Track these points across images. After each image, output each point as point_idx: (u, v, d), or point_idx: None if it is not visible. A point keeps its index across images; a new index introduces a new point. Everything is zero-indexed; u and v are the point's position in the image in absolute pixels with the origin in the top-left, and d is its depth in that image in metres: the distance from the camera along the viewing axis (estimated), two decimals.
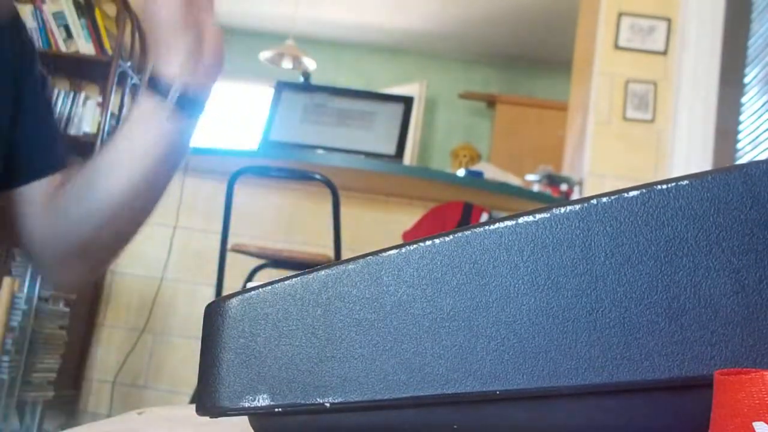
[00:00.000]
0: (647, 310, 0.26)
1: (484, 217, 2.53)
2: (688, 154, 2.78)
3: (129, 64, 2.96)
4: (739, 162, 2.69)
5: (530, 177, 3.02)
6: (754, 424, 0.20)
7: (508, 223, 0.28)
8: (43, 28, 2.91)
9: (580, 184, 2.88)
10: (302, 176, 2.18)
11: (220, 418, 0.31)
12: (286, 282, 0.30)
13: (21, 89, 0.73)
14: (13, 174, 0.73)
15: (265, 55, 4.74)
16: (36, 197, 0.73)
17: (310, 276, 0.30)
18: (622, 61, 2.90)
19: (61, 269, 0.75)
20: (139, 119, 0.68)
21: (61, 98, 2.95)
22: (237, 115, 5.86)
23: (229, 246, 2.19)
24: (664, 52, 2.89)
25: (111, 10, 3.03)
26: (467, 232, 0.28)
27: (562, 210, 0.27)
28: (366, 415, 0.29)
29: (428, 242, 0.28)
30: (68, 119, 2.94)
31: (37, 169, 0.74)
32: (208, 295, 2.64)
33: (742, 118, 2.83)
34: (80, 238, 0.71)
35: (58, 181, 0.74)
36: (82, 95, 2.99)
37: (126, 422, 0.44)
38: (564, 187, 2.88)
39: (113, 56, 2.87)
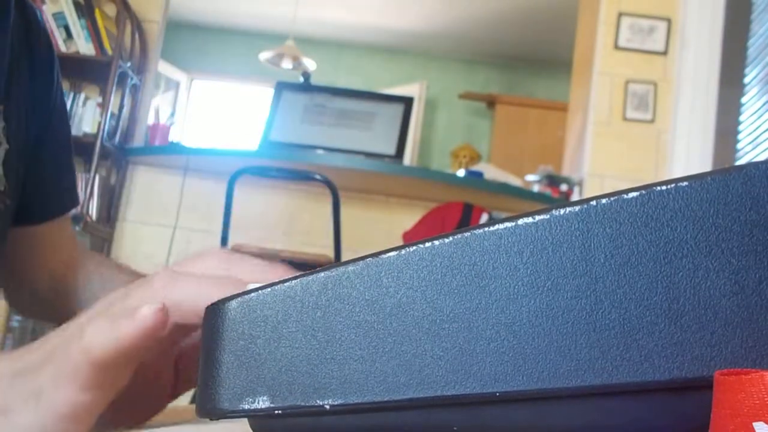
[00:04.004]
0: (647, 311, 0.26)
1: (484, 217, 2.54)
2: (688, 154, 2.78)
3: (129, 64, 2.96)
4: (739, 162, 2.70)
5: (530, 177, 3.02)
6: (754, 424, 0.20)
7: (508, 224, 0.28)
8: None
9: (580, 184, 2.88)
10: (302, 176, 2.18)
11: (219, 420, 0.31)
12: (285, 284, 0.30)
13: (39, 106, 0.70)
14: (31, 208, 0.69)
15: (265, 55, 4.74)
16: (43, 237, 0.70)
17: (310, 278, 0.30)
18: (622, 62, 2.90)
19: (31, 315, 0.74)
20: None
21: None
22: (237, 115, 5.87)
23: (229, 246, 2.19)
24: (664, 53, 2.89)
25: (111, 10, 3.03)
26: (467, 234, 0.28)
27: (562, 211, 0.27)
28: (366, 416, 0.29)
29: (428, 244, 0.28)
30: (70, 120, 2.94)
31: (53, 208, 0.71)
32: None
33: (742, 118, 2.83)
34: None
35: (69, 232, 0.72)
36: (82, 95, 2.99)
37: None
38: (564, 187, 2.88)
39: (113, 56, 2.88)
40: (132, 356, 0.32)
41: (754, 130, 2.71)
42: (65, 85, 3.06)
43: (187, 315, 0.33)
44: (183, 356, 0.40)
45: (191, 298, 0.33)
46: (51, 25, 2.91)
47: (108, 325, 0.31)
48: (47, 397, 0.33)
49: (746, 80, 2.84)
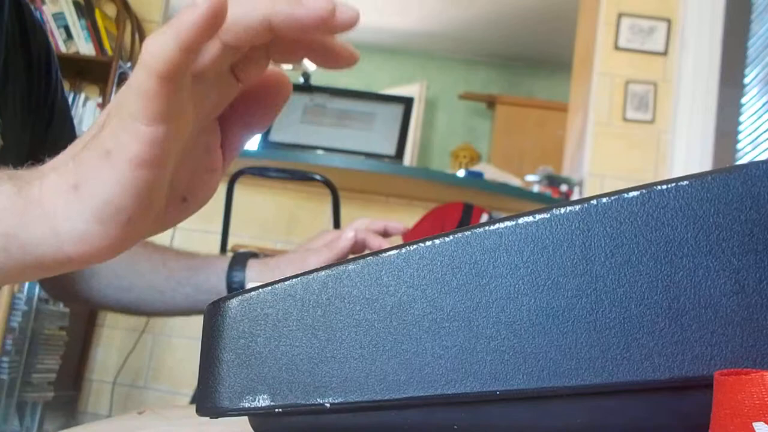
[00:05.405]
0: (647, 310, 0.26)
1: (484, 218, 2.54)
2: (688, 154, 2.79)
3: (129, 64, 2.96)
4: (739, 162, 2.69)
5: (530, 178, 3.02)
6: (754, 424, 0.20)
7: (508, 223, 0.28)
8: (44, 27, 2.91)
9: (580, 184, 2.88)
10: (302, 177, 2.18)
11: (220, 419, 0.31)
12: (286, 282, 0.30)
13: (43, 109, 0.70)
14: None
15: None
16: None
17: (310, 276, 0.30)
18: (622, 62, 2.90)
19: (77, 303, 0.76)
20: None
21: None
22: None
23: (229, 246, 2.19)
24: (664, 53, 2.89)
25: (111, 10, 3.03)
26: (467, 233, 0.28)
27: (562, 210, 0.27)
28: (366, 415, 0.29)
29: (428, 243, 0.28)
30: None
31: None
32: None
33: (742, 118, 2.83)
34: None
35: None
36: (82, 96, 2.99)
37: (126, 422, 0.44)
38: (564, 187, 2.88)
39: (113, 57, 2.88)
40: (196, 66, 0.31)
41: (754, 131, 2.71)
42: (65, 86, 3.06)
43: (238, 30, 0.32)
44: (226, 121, 0.38)
45: (242, 10, 0.31)
46: (51, 25, 2.91)
47: (169, 26, 0.30)
48: (117, 149, 0.31)
49: (746, 80, 2.84)
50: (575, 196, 2.87)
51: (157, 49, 0.30)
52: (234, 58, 0.34)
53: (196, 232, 2.86)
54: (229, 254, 0.77)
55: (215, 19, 0.30)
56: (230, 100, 0.37)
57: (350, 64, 0.36)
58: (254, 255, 0.77)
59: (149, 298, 0.74)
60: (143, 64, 0.30)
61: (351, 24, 0.34)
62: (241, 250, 0.78)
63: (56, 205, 0.32)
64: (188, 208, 0.38)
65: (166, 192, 0.35)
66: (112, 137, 0.31)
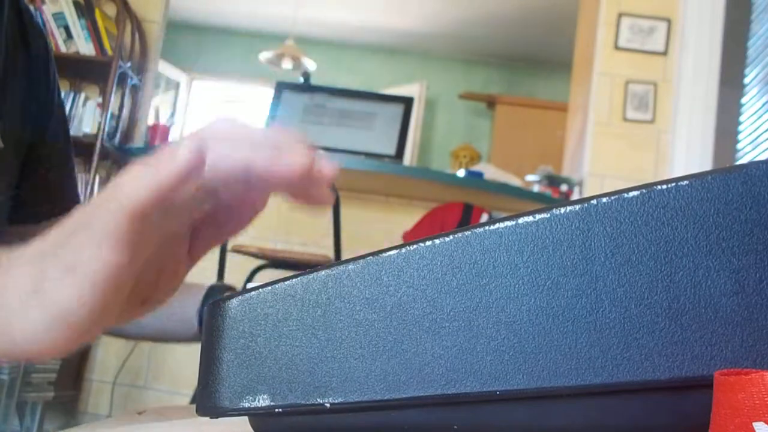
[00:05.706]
0: (647, 310, 0.26)
1: (484, 218, 2.54)
2: (688, 154, 2.79)
3: (129, 64, 2.96)
4: (739, 162, 2.69)
5: (530, 177, 3.02)
6: (754, 424, 0.20)
7: (508, 223, 0.28)
8: (44, 29, 2.90)
9: (580, 184, 2.88)
10: None
11: (220, 419, 0.31)
12: (286, 282, 0.30)
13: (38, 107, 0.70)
14: (27, 209, 0.68)
15: (265, 55, 4.74)
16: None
17: (310, 276, 0.30)
18: (622, 62, 2.90)
19: None
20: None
21: None
22: (237, 116, 5.85)
23: (228, 247, 2.19)
24: (664, 53, 2.89)
25: (111, 10, 3.03)
26: (467, 233, 0.28)
27: (562, 210, 0.27)
28: (366, 415, 0.29)
29: (428, 243, 0.28)
30: (68, 120, 2.94)
31: (46, 211, 0.68)
32: None
33: (742, 118, 2.83)
34: None
35: None
36: (82, 96, 2.99)
37: (126, 422, 0.44)
38: (564, 187, 2.88)
39: (113, 57, 2.87)
40: (168, 204, 0.32)
41: (754, 131, 2.71)
42: (65, 86, 3.06)
43: (216, 173, 0.33)
44: (197, 227, 0.39)
45: (222, 155, 0.33)
46: (51, 25, 2.91)
47: (148, 171, 0.31)
48: (83, 267, 0.32)
49: (746, 80, 2.84)
50: (575, 196, 2.87)
51: (133, 191, 0.31)
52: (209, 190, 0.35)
53: None
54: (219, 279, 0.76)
55: (192, 174, 0.30)
56: (201, 215, 0.37)
57: (326, 207, 0.37)
58: (230, 288, 0.77)
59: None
60: (117, 199, 0.31)
61: (328, 178, 0.35)
62: (217, 282, 0.78)
63: (16, 302, 0.33)
64: (147, 309, 0.39)
65: (126, 297, 0.35)
66: (77, 255, 0.32)
